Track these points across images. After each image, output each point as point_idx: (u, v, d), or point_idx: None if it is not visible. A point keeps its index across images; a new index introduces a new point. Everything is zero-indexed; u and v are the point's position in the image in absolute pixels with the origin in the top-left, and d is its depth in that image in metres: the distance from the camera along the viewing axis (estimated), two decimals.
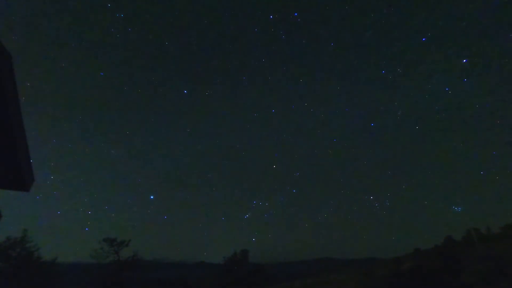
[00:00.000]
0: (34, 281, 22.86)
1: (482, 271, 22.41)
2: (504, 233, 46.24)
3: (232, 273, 30.85)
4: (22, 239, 23.90)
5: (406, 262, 28.68)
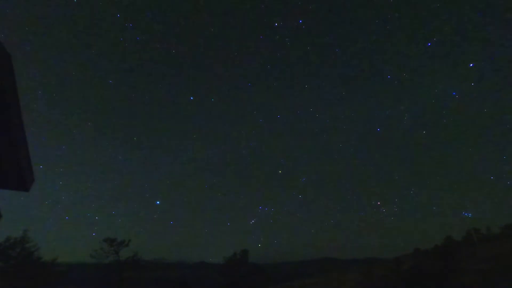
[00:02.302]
0: (34, 281, 22.83)
1: (482, 271, 22.38)
2: (504, 233, 46.18)
3: (232, 273, 30.81)
4: (22, 239, 23.86)
5: (406, 262, 28.64)
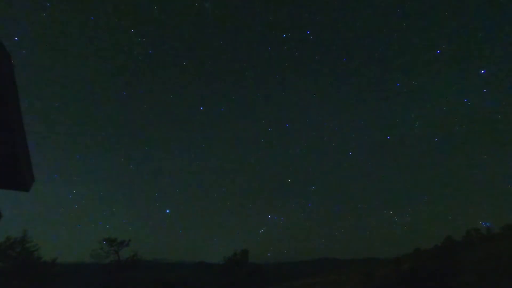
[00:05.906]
0: (34, 281, 22.83)
1: (482, 271, 22.38)
2: (504, 233, 46.17)
3: (232, 273, 30.81)
4: (22, 239, 23.86)
5: (406, 262, 28.65)
